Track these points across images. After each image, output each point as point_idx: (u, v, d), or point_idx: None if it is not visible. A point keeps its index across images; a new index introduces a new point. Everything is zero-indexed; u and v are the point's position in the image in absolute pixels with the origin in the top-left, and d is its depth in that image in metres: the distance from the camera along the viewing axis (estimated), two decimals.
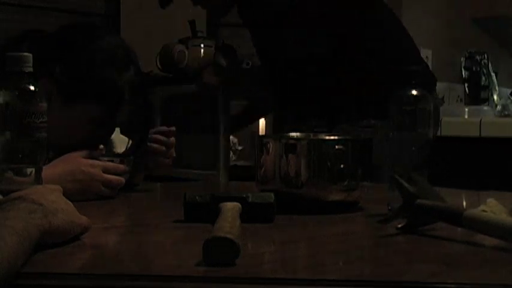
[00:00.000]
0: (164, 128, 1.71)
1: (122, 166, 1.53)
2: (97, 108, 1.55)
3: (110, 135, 1.69)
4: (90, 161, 1.48)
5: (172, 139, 1.70)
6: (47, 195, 0.97)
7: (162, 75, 2.99)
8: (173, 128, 1.72)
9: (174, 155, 1.73)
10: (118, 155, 1.68)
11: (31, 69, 1.11)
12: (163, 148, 1.68)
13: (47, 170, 1.27)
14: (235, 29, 3.41)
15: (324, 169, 1.31)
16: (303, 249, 1.09)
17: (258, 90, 2.54)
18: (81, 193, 1.41)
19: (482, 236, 1.03)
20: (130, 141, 1.73)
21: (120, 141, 1.81)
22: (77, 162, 1.46)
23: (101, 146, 1.63)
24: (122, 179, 1.52)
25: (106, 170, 1.49)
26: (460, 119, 3.04)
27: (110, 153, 1.69)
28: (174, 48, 2.99)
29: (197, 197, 1.20)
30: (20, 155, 1.10)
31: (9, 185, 1.08)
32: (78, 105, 1.55)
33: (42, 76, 1.46)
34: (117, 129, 1.86)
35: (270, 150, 1.35)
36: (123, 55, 1.61)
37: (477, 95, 3.55)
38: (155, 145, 1.68)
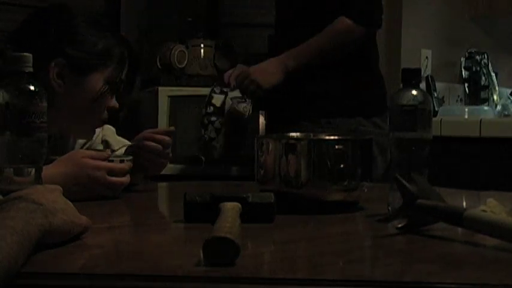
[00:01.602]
0: (163, 128, 1.71)
1: (125, 166, 1.52)
2: (108, 69, 1.65)
3: (128, 92, 1.78)
4: (96, 163, 1.46)
5: (169, 139, 1.69)
6: (47, 195, 0.97)
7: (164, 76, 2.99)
8: (172, 128, 1.72)
9: (171, 155, 1.72)
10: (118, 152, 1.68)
11: (31, 69, 1.11)
12: (160, 147, 1.66)
13: (51, 170, 1.28)
14: (235, 29, 3.41)
15: (324, 169, 1.31)
16: (303, 249, 1.09)
17: None
18: (84, 195, 1.40)
19: (482, 236, 1.03)
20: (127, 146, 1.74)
21: (117, 142, 1.81)
22: (81, 164, 1.45)
23: (107, 150, 1.64)
24: (126, 180, 1.51)
25: (111, 172, 1.48)
26: (460, 119, 3.04)
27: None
28: (174, 48, 3.00)
29: (197, 197, 1.20)
30: (20, 155, 1.10)
31: (9, 185, 1.08)
32: (93, 74, 1.64)
33: (52, 60, 1.59)
34: (113, 130, 1.87)
35: (270, 150, 1.35)
36: (101, 18, 1.76)
37: (477, 95, 3.55)
38: (152, 143, 1.66)
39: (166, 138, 1.67)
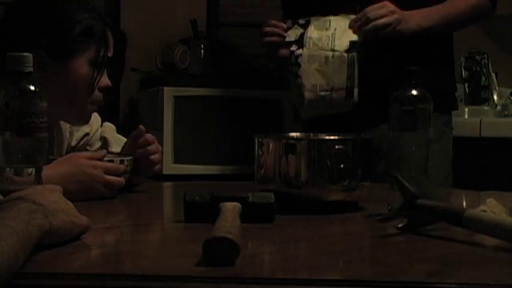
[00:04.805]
0: (144, 135, 1.67)
1: (122, 167, 1.53)
2: (90, 50, 1.61)
3: (120, 73, 1.74)
4: (92, 162, 1.48)
5: (155, 146, 1.66)
6: (47, 196, 0.97)
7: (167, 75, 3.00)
8: (151, 136, 1.67)
9: (161, 149, 1.70)
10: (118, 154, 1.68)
11: (31, 69, 1.11)
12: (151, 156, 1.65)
13: (49, 170, 1.28)
14: (236, 29, 3.41)
15: (324, 169, 1.31)
16: (303, 249, 1.09)
17: None
18: (82, 194, 1.41)
19: (482, 236, 1.03)
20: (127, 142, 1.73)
21: (116, 141, 1.81)
22: (78, 163, 1.46)
23: (104, 150, 1.64)
24: (123, 180, 1.52)
25: (107, 171, 1.49)
26: (460, 119, 3.04)
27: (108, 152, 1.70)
28: (177, 49, 3.00)
29: (197, 197, 1.20)
30: (20, 155, 1.10)
31: (9, 185, 1.08)
32: (75, 57, 1.60)
33: (33, 51, 1.50)
34: (113, 128, 1.87)
35: (270, 150, 1.35)
36: None
37: (477, 95, 3.54)
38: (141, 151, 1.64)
39: (153, 145, 1.66)
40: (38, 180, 1.11)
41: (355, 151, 1.33)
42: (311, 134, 1.52)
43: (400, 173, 1.21)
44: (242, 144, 2.61)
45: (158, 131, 2.84)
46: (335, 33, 1.96)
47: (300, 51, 1.98)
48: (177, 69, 3.01)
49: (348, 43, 1.94)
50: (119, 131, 1.88)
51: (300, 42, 2.00)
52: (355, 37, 1.94)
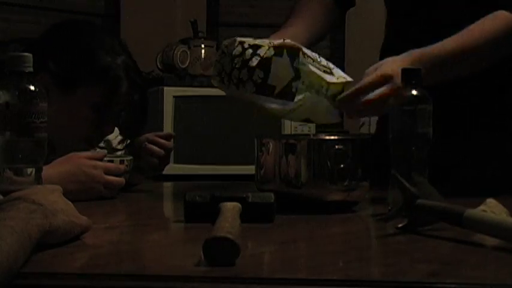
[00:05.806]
0: (164, 133, 1.71)
1: (122, 167, 1.53)
2: (95, 92, 1.60)
3: (113, 127, 1.70)
4: (92, 162, 1.48)
5: (170, 143, 1.70)
6: (47, 196, 0.97)
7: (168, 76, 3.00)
8: (172, 133, 1.73)
9: (169, 161, 1.74)
10: (116, 149, 1.69)
11: (31, 69, 1.11)
12: (162, 152, 1.67)
13: (49, 170, 1.28)
14: (236, 29, 3.41)
15: (324, 169, 1.31)
16: (303, 249, 1.09)
17: None
18: (82, 194, 1.41)
19: (483, 236, 1.03)
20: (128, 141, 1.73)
21: (118, 142, 1.81)
22: (78, 163, 1.46)
23: (104, 151, 1.64)
24: (123, 180, 1.52)
25: (107, 171, 1.49)
26: None
27: (109, 151, 1.70)
28: (177, 49, 3.00)
29: (197, 197, 1.20)
30: (20, 155, 1.10)
31: (9, 185, 1.08)
32: (76, 94, 1.60)
33: (37, 74, 1.50)
34: (116, 130, 1.87)
35: (270, 150, 1.35)
36: (114, 42, 1.67)
37: None
38: (155, 147, 1.67)
39: (169, 143, 1.69)
40: (38, 180, 1.11)
41: (355, 151, 1.33)
42: (311, 134, 1.52)
43: (400, 173, 1.21)
44: (242, 144, 2.61)
45: (158, 131, 2.85)
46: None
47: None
48: (177, 69, 3.01)
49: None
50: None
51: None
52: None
